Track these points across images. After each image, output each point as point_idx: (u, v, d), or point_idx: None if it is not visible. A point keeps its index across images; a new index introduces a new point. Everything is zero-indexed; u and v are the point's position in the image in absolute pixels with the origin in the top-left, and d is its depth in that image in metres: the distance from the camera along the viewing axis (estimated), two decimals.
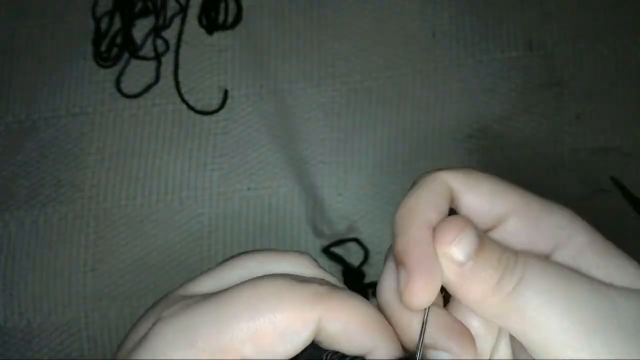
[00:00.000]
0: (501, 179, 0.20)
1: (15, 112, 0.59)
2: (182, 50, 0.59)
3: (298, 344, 0.18)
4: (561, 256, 0.19)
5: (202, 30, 0.60)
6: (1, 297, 0.55)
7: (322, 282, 0.19)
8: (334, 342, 0.18)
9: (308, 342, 0.18)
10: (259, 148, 0.56)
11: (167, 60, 0.59)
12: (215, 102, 0.58)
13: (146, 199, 0.56)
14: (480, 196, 0.20)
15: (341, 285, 0.20)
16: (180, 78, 0.59)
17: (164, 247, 0.55)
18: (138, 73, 0.59)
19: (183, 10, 0.60)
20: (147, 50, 0.60)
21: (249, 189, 0.56)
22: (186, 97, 0.58)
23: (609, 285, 0.18)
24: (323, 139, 0.56)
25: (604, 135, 0.54)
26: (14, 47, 0.60)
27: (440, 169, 0.20)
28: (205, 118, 0.57)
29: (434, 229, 0.19)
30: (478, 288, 0.18)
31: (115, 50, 0.60)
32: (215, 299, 0.18)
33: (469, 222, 0.19)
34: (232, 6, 0.60)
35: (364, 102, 0.56)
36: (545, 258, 0.19)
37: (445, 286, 0.19)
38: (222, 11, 0.60)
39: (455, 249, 0.18)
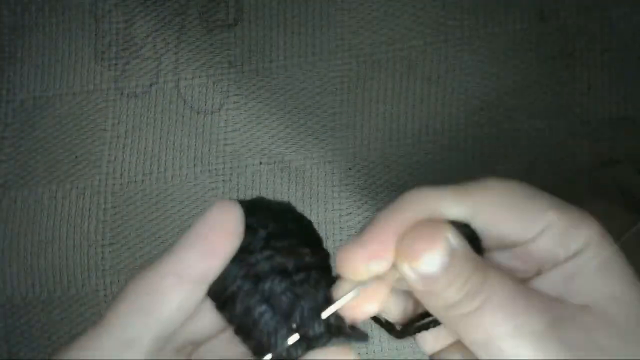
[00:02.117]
0: (518, 185, 0.19)
1: (30, 88, 0.59)
2: (192, 25, 0.59)
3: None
4: (562, 269, 0.19)
5: (211, 5, 0.59)
6: (22, 270, 0.56)
7: None
8: None
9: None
10: (270, 123, 0.57)
11: (178, 35, 0.59)
12: (225, 78, 0.58)
13: (162, 174, 0.57)
14: (502, 216, 0.19)
15: None
16: (191, 54, 0.59)
17: (179, 221, 0.56)
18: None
19: None
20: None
21: (261, 163, 0.56)
22: (197, 72, 0.58)
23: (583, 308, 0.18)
24: (333, 113, 0.56)
25: (616, 106, 0.53)
26: (25, 24, 0.60)
27: (422, 189, 0.18)
28: (217, 93, 0.58)
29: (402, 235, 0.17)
30: (439, 302, 0.18)
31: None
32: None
33: (442, 232, 0.17)
34: None
35: (374, 75, 0.56)
36: (517, 281, 0.18)
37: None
38: None
39: (421, 263, 0.17)
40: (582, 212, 0.20)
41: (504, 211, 0.19)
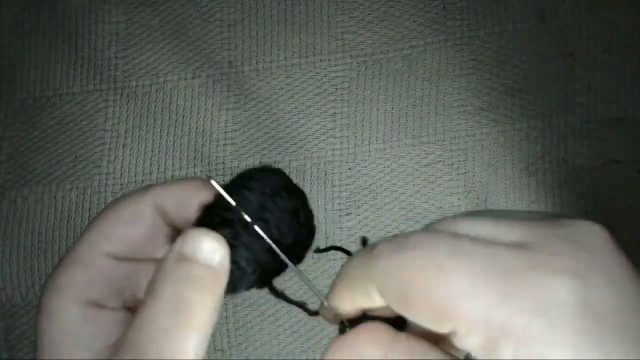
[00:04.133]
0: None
1: (29, 88, 0.59)
2: (191, 26, 0.59)
3: (151, 232, 0.22)
4: None
5: (212, 5, 0.59)
6: (22, 270, 0.56)
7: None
8: (178, 210, 0.22)
9: (158, 229, 0.22)
10: (270, 123, 0.57)
11: (178, 35, 0.59)
12: (225, 78, 0.58)
13: (161, 174, 0.57)
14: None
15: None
16: (191, 54, 0.59)
17: None
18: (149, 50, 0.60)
19: None
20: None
21: (260, 163, 0.56)
22: (197, 72, 0.58)
23: None
24: (333, 113, 0.56)
25: (616, 105, 0.54)
26: (25, 24, 0.61)
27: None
28: (217, 93, 0.58)
29: None
30: None
31: None
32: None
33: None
34: None
35: (374, 75, 0.56)
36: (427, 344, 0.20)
37: None
38: None
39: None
40: None
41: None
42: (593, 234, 0.17)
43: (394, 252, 0.18)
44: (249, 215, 0.21)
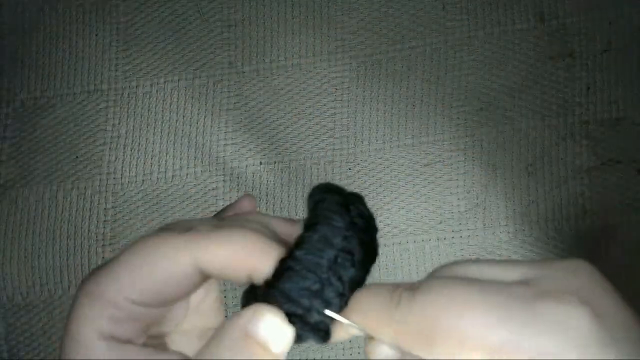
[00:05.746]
0: None
1: (30, 88, 0.60)
2: (192, 26, 0.59)
3: (186, 286, 0.21)
4: None
5: (212, 5, 0.60)
6: (23, 270, 0.56)
7: (204, 228, 0.21)
8: (223, 275, 0.21)
9: (196, 282, 0.21)
10: (270, 123, 0.57)
11: (178, 36, 0.59)
12: (226, 78, 0.58)
13: (162, 174, 0.57)
14: None
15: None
16: (191, 54, 0.59)
17: None
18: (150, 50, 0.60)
19: None
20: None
21: (261, 163, 0.56)
22: (198, 73, 0.58)
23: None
24: (333, 114, 0.56)
25: (615, 106, 0.54)
26: (25, 24, 0.61)
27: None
28: (217, 94, 0.58)
29: None
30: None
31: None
32: (110, 265, 0.21)
33: None
34: None
35: (374, 76, 0.56)
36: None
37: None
38: None
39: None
40: None
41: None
42: (585, 267, 0.19)
43: (415, 295, 0.19)
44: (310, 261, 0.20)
